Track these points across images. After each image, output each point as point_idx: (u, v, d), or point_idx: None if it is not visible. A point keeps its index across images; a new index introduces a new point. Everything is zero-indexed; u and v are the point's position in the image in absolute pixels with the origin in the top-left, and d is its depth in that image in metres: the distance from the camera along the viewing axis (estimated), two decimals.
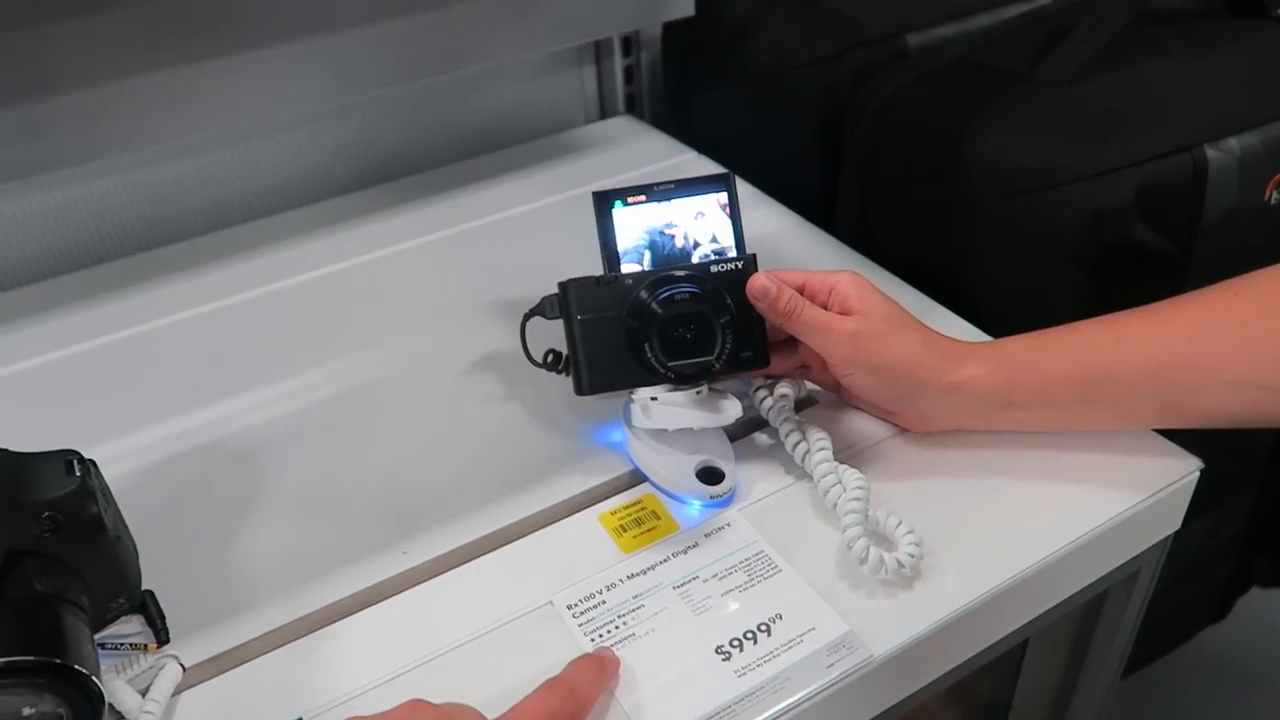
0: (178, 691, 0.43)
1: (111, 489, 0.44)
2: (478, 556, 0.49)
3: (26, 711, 0.35)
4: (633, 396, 0.52)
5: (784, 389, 0.54)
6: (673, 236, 0.53)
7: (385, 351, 0.64)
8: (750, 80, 0.80)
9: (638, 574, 0.47)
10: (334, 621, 0.46)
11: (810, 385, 0.56)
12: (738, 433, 0.55)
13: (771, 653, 0.43)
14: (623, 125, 0.93)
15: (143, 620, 0.45)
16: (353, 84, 0.72)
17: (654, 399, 0.51)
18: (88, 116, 0.64)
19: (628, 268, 0.52)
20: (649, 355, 0.48)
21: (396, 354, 0.64)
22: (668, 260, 0.53)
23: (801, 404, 0.56)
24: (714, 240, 0.53)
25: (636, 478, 0.53)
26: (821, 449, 0.51)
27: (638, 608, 0.46)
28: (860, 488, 0.48)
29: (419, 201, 0.81)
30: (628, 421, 0.53)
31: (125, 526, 0.44)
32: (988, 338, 0.60)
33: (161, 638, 0.44)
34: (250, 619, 0.46)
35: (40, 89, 0.61)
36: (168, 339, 0.67)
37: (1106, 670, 0.63)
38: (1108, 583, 0.54)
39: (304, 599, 0.47)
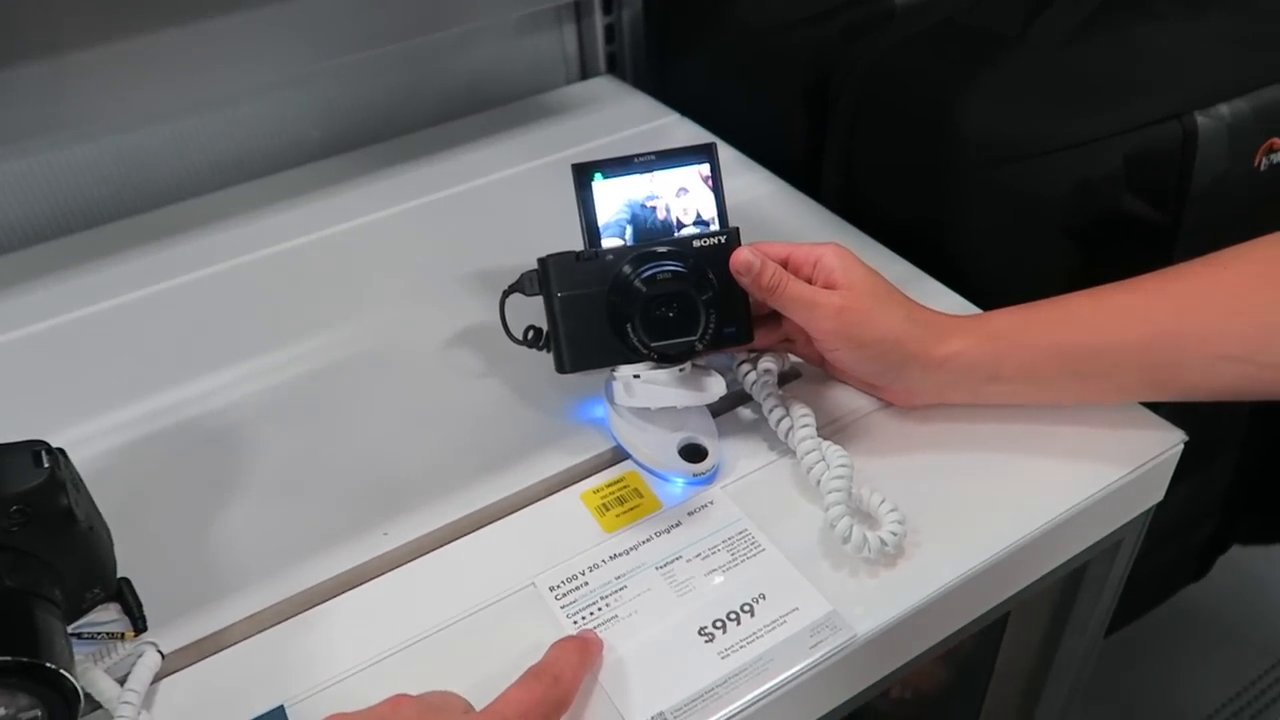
0: (157, 679, 0.43)
1: (81, 473, 0.43)
2: (459, 537, 0.49)
3: (1, 711, 0.34)
4: (615, 374, 0.51)
5: (768, 363, 0.53)
6: (654, 209, 0.52)
7: (363, 326, 0.63)
8: (734, 39, 0.78)
9: (620, 554, 0.47)
10: (315, 605, 0.46)
11: (794, 359, 0.56)
12: (721, 408, 0.54)
13: (755, 634, 0.43)
14: (604, 86, 0.91)
15: (119, 608, 0.44)
16: (329, 48, 0.70)
17: (636, 377, 0.50)
18: (52, 86, 0.62)
19: (609, 242, 0.51)
20: (631, 335, 0.47)
21: (374, 329, 0.63)
22: (649, 234, 0.51)
23: (786, 378, 0.56)
24: (696, 213, 0.52)
25: (619, 455, 0.52)
26: (805, 425, 0.50)
27: (620, 589, 0.45)
28: (843, 465, 0.47)
29: (396, 168, 0.79)
30: (610, 399, 0.52)
31: (98, 514, 0.43)
32: (975, 308, 0.60)
33: (139, 625, 0.44)
34: (229, 604, 0.46)
35: (2, 58, 0.59)
36: (136, 314, 0.66)
37: (1088, 635, 0.64)
38: (1091, 554, 0.54)
39: (283, 582, 0.47)
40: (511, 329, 0.54)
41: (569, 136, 0.82)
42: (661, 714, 0.40)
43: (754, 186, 0.75)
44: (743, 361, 0.54)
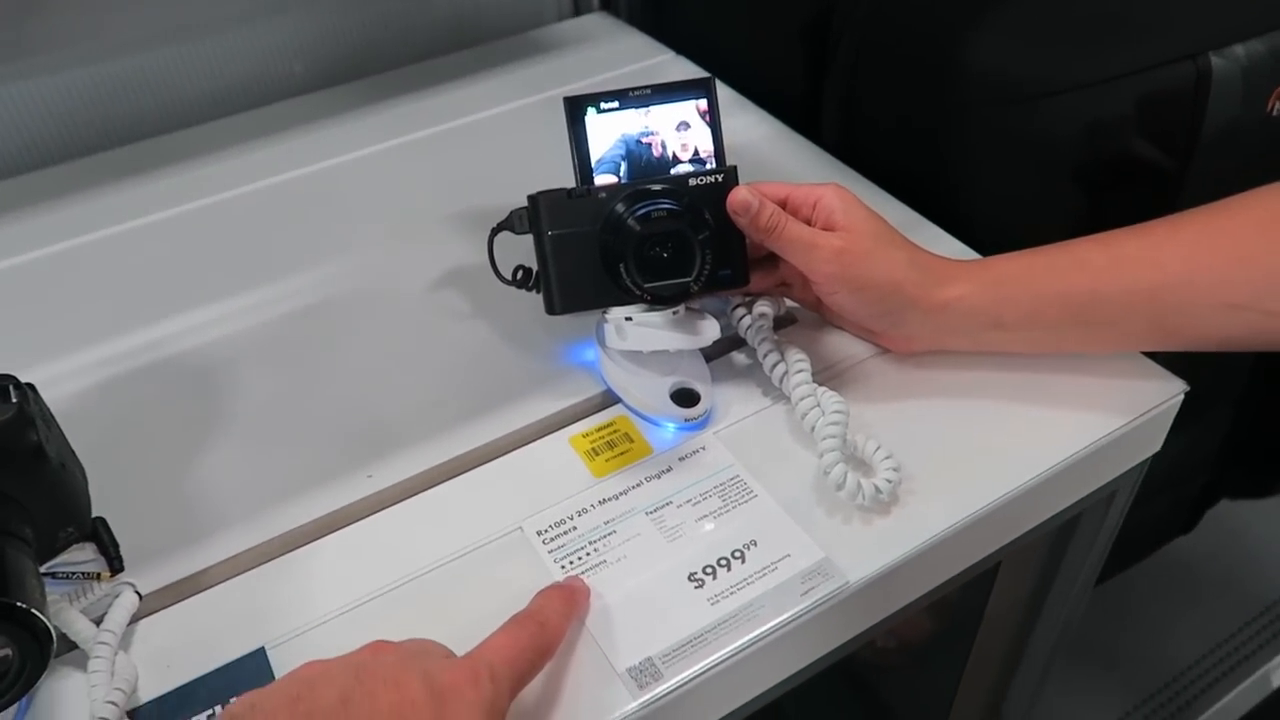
0: (134, 620, 0.42)
1: (55, 412, 0.41)
2: (445, 480, 0.47)
3: None
4: (606, 316, 0.49)
5: (763, 307, 0.52)
6: (649, 145, 0.50)
7: (348, 265, 0.61)
8: None
9: (609, 499, 0.46)
10: (297, 547, 0.45)
11: (790, 303, 0.55)
12: (714, 352, 0.53)
13: (745, 580, 0.42)
14: (597, 23, 0.88)
15: (95, 548, 0.43)
16: None
17: (629, 319, 0.48)
18: (19, 8, 0.59)
19: (602, 179, 0.49)
20: (624, 276, 0.46)
21: (359, 267, 0.61)
22: (644, 171, 0.50)
23: (781, 322, 0.54)
24: (694, 149, 0.51)
25: (609, 399, 0.51)
26: (800, 370, 0.49)
27: (609, 534, 0.44)
28: (839, 411, 0.46)
29: (382, 104, 0.77)
30: (601, 341, 0.51)
31: (72, 452, 0.42)
32: (977, 255, 0.58)
33: (115, 566, 0.43)
34: (209, 545, 0.45)
35: None
36: (113, 249, 0.64)
37: (1077, 586, 0.64)
38: (1085, 504, 0.54)
39: (265, 524, 0.46)
40: (500, 269, 0.52)
41: (560, 74, 0.80)
42: (649, 659, 0.40)
43: (751, 128, 0.73)
44: (737, 305, 0.52)
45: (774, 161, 0.69)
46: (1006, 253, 0.49)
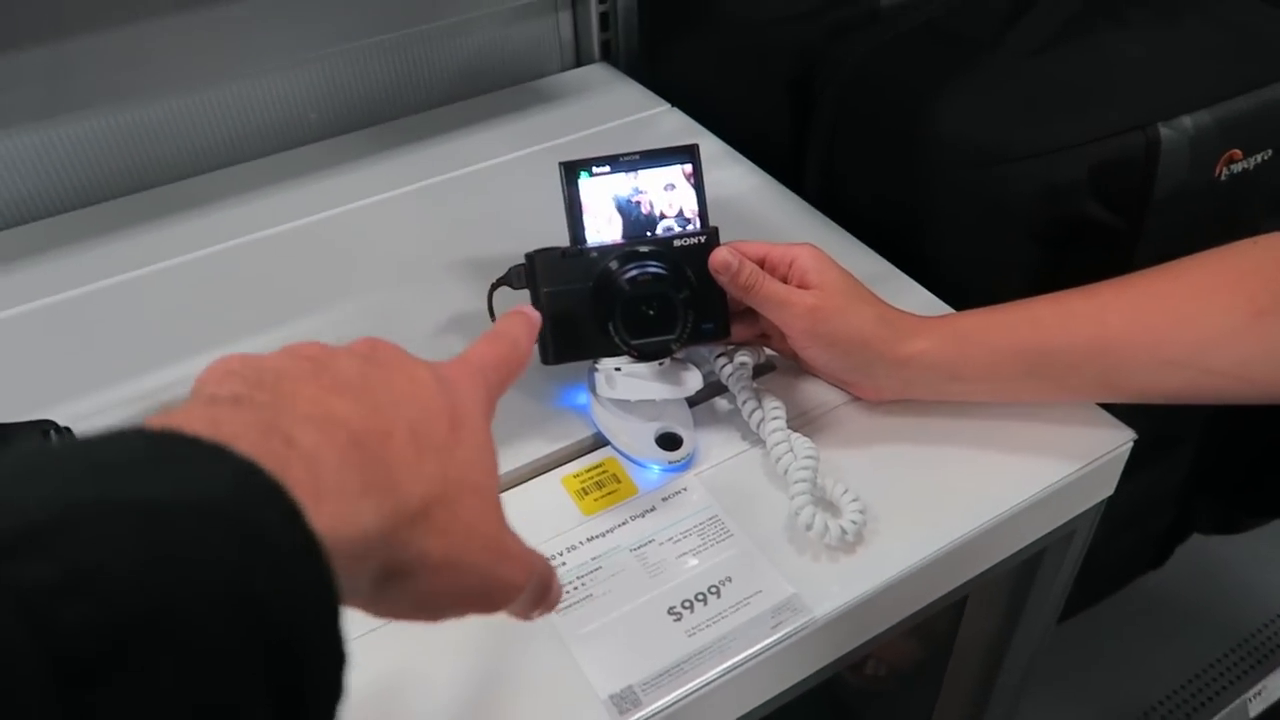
0: None
1: None
2: None
3: None
4: (597, 366, 0.53)
5: (743, 357, 0.56)
6: (638, 204, 0.54)
7: (354, 309, 0.65)
8: (723, 33, 0.80)
9: (597, 536, 0.50)
10: None
11: (769, 352, 0.58)
12: (697, 398, 0.56)
13: (720, 614, 0.46)
14: (597, 74, 0.92)
15: None
16: (330, 35, 0.71)
17: (618, 370, 0.52)
18: (55, 69, 0.63)
19: (593, 235, 0.53)
20: (613, 333, 0.50)
21: (365, 312, 0.65)
22: (634, 227, 0.54)
23: (761, 369, 0.58)
24: (679, 208, 0.54)
25: (599, 441, 0.55)
26: (775, 417, 0.53)
27: (596, 569, 0.48)
28: (810, 457, 0.50)
29: (392, 151, 0.81)
30: (591, 388, 0.55)
31: None
32: (944, 304, 0.62)
33: None
34: None
35: (6, 42, 0.60)
36: (130, 294, 0.67)
37: (1043, 618, 0.67)
38: (1044, 543, 0.57)
39: None
40: (498, 319, 0.56)
41: (561, 125, 0.84)
42: (630, 687, 0.43)
43: (739, 179, 0.77)
44: (720, 354, 0.56)
45: (759, 213, 0.73)
46: (971, 304, 0.54)
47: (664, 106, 0.86)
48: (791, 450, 0.51)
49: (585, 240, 0.53)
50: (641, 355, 0.51)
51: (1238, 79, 0.62)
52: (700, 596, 0.47)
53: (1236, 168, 0.62)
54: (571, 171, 0.53)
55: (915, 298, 0.63)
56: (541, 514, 0.51)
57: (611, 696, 0.43)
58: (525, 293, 0.53)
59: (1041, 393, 0.54)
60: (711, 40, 0.81)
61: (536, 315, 0.41)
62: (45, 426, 0.42)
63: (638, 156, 0.54)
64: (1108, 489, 0.57)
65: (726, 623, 0.46)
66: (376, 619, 0.29)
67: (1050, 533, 0.56)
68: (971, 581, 0.54)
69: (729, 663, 0.44)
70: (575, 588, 0.47)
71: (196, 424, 0.23)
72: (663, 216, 0.55)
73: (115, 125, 0.76)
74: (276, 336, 0.63)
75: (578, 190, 0.53)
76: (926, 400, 0.55)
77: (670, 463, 0.52)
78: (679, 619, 0.46)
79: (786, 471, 0.51)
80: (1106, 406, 0.55)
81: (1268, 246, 0.49)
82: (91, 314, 0.66)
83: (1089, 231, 0.60)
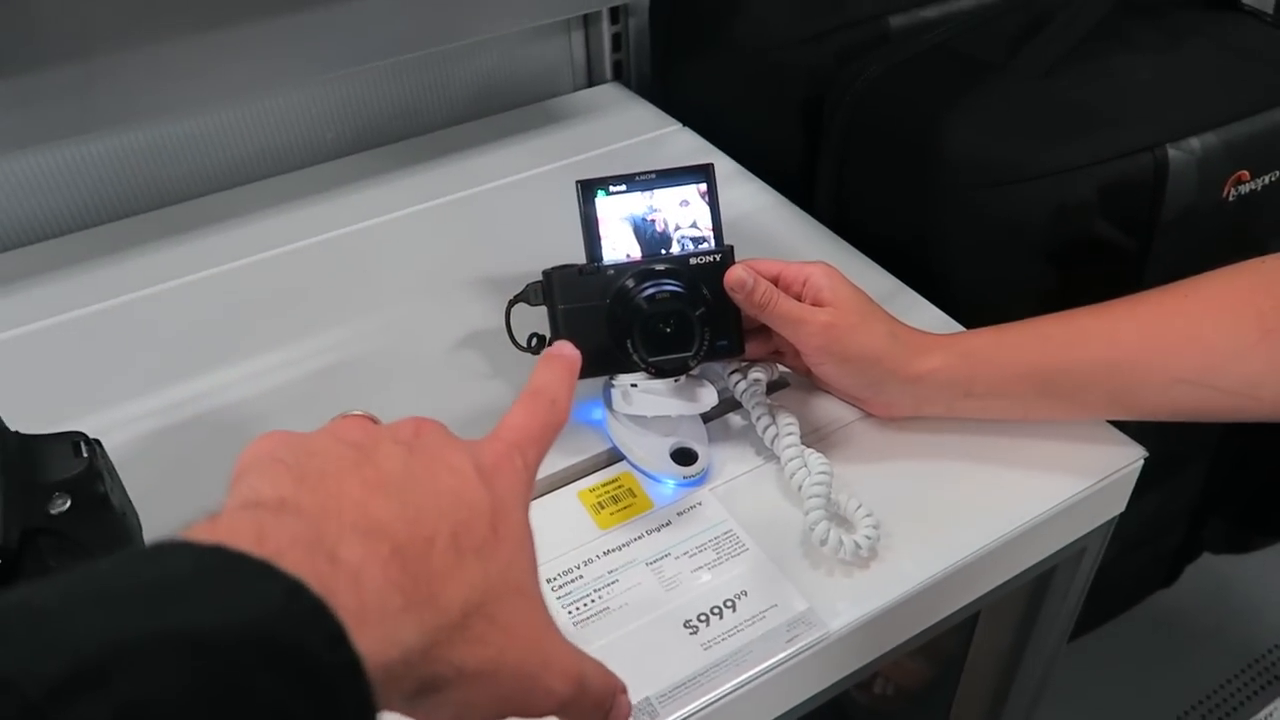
0: None
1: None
2: None
3: None
4: (613, 382, 0.54)
5: (757, 373, 0.56)
6: (654, 222, 0.55)
7: (372, 326, 0.66)
8: (734, 55, 0.81)
9: (613, 550, 0.50)
10: None
11: (783, 368, 0.59)
12: (712, 414, 0.57)
13: (736, 627, 0.47)
14: (609, 94, 0.94)
15: None
16: (345, 58, 0.73)
17: (634, 386, 0.53)
18: (79, 88, 0.65)
19: (610, 253, 0.54)
20: (631, 350, 0.50)
21: (383, 328, 0.66)
22: (650, 245, 0.54)
23: (774, 385, 0.59)
24: (694, 226, 0.55)
25: (615, 455, 0.56)
26: (789, 433, 0.53)
27: (613, 582, 0.49)
28: (824, 472, 0.51)
29: (407, 170, 0.82)
30: (608, 404, 0.55)
31: (129, 501, 0.46)
32: (955, 322, 0.63)
33: None
34: None
35: (32, 60, 0.62)
36: (151, 308, 0.69)
37: (1054, 636, 0.67)
38: (1055, 560, 0.58)
39: None
40: (516, 336, 0.57)
41: (574, 143, 0.85)
42: (648, 699, 0.44)
43: (751, 198, 0.78)
44: (734, 371, 0.57)
45: (772, 231, 0.74)
46: (982, 323, 0.54)
47: (675, 126, 0.87)
48: (805, 466, 0.52)
49: (602, 258, 0.54)
50: (659, 372, 0.52)
51: (1245, 101, 0.63)
52: (716, 610, 0.47)
53: (1245, 188, 0.62)
54: (589, 190, 0.54)
55: (926, 316, 0.64)
56: (558, 528, 0.52)
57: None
58: (543, 310, 0.54)
59: (1052, 410, 0.54)
60: (723, 61, 0.83)
61: (575, 355, 0.39)
62: (75, 438, 0.43)
63: (654, 175, 0.55)
64: (1118, 506, 0.57)
65: (742, 636, 0.46)
66: None
67: (1061, 549, 0.57)
68: (984, 597, 0.54)
69: (745, 675, 0.45)
70: (593, 600, 0.48)
71: (241, 536, 0.24)
72: (678, 234, 0.55)
73: (139, 143, 0.78)
74: (296, 351, 0.64)
75: (595, 208, 0.54)
76: (938, 417, 0.55)
77: (685, 477, 0.53)
78: (695, 632, 0.46)
79: (800, 487, 0.51)
80: (1117, 424, 0.56)
81: (1276, 265, 0.50)
82: (118, 327, 0.67)
83: (1098, 251, 0.61)
